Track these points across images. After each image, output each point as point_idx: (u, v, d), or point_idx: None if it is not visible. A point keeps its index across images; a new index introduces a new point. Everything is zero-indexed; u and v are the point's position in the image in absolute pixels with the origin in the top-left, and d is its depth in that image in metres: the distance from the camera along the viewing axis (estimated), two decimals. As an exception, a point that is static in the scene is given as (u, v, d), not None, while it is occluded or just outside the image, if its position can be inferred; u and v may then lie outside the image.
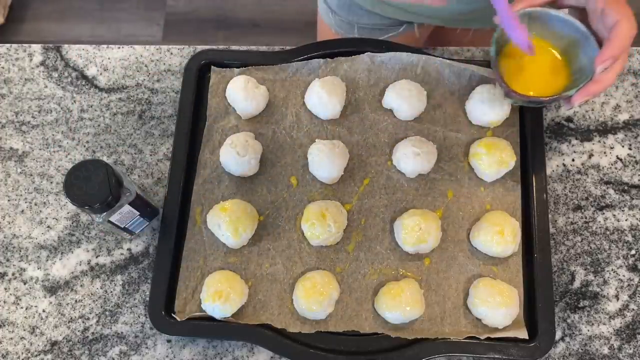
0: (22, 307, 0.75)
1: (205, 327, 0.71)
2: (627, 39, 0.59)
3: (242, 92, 0.78)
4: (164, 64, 0.86)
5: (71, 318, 0.74)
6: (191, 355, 0.73)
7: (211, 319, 0.70)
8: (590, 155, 0.81)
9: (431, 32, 1.01)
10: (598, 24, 0.62)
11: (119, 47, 0.88)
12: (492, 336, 0.69)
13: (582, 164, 0.80)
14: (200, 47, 0.86)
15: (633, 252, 0.76)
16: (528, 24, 0.67)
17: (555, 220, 0.78)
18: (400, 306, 0.68)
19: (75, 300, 0.75)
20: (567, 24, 0.66)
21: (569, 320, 0.73)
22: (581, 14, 0.64)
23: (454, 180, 0.77)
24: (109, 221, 0.69)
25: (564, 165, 0.80)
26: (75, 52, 0.87)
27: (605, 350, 0.72)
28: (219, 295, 0.69)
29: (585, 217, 0.78)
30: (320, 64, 0.81)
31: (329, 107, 0.78)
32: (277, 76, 0.82)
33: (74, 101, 0.85)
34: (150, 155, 0.82)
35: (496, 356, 0.68)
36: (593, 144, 0.81)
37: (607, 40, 0.61)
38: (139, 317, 0.74)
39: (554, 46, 0.69)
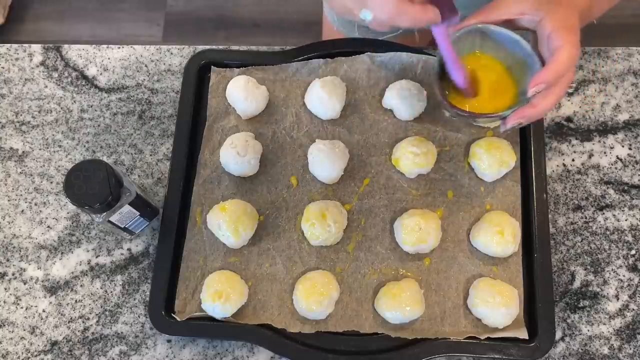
0: (22, 307, 0.75)
1: (205, 327, 0.71)
2: (564, 65, 0.58)
3: (242, 92, 0.78)
4: (164, 64, 0.86)
5: (71, 318, 0.74)
6: (191, 355, 0.73)
7: (211, 319, 0.71)
8: (590, 155, 0.81)
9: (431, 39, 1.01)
10: (543, 48, 0.61)
11: (119, 47, 0.88)
12: (492, 336, 0.69)
13: (582, 164, 0.80)
14: (200, 47, 0.86)
15: (633, 252, 0.76)
16: (480, 40, 0.66)
17: (555, 220, 0.78)
18: (400, 306, 0.68)
19: (75, 300, 0.75)
20: (516, 44, 0.64)
21: (569, 320, 0.73)
22: (535, 36, 0.63)
23: (454, 180, 0.77)
24: (109, 221, 0.69)
25: (564, 165, 0.80)
26: (75, 52, 0.87)
27: (605, 350, 0.72)
28: (219, 295, 0.69)
29: (585, 217, 0.78)
30: (320, 64, 0.81)
31: (329, 107, 0.78)
32: (277, 76, 0.82)
33: (74, 101, 0.85)
34: (150, 155, 0.82)
35: (496, 356, 0.68)
36: (593, 144, 0.81)
37: (546, 64, 0.60)
38: (139, 317, 0.74)
39: (505, 65, 0.67)
